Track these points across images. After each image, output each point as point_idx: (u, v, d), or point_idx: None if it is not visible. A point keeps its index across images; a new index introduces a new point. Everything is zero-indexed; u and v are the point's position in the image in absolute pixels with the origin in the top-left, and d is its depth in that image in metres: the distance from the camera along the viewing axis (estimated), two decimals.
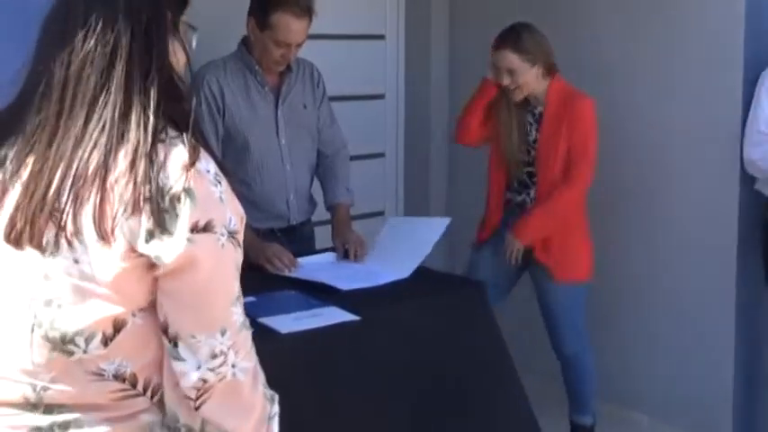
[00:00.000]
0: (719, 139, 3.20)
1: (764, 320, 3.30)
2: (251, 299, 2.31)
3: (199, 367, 1.22)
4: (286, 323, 2.21)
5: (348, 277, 2.57)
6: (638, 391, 3.54)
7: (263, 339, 2.07)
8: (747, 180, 3.16)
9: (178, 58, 1.30)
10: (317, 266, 2.67)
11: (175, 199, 1.16)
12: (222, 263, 1.22)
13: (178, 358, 1.22)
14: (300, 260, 2.68)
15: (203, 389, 1.23)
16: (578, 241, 3.11)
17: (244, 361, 1.26)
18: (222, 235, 1.21)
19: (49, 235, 1.17)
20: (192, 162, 1.18)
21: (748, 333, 3.29)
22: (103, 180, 1.15)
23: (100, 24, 1.20)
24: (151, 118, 1.18)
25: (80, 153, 1.17)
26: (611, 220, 3.44)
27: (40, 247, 1.17)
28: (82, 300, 1.18)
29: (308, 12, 2.77)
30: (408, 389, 2.31)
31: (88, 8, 1.21)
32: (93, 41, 1.19)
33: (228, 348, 1.24)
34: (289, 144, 2.91)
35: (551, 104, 3.03)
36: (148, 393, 1.26)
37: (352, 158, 3.13)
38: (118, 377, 1.23)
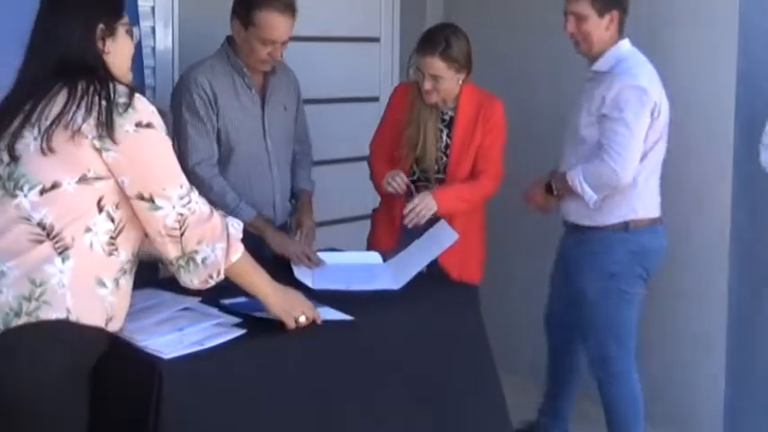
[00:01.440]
0: (714, 140, 3.20)
1: (762, 323, 3.28)
2: (241, 299, 2.33)
3: (174, 207, 1.89)
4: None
5: (331, 277, 2.59)
6: None
7: (259, 336, 2.11)
8: (741, 178, 3.15)
9: (123, 52, 2.00)
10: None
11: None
12: (165, 147, 1.93)
13: (158, 209, 1.88)
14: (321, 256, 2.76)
15: (182, 221, 1.90)
16: (476, 246, 3.07)
17: (201, 199, 1.95)
18: (161, 131, 1.91)
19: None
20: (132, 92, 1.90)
21: (741, 336, 3.28)
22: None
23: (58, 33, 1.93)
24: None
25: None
26: None
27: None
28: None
29: (291, 8, 2.78)
30: (391, 388, 2.33)
31: (52, 21, 1.94)
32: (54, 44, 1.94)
33: (188, 193, 1.92)
34: (274, 146, 2.93)
35: (463, 108, 2.97)
36: (56, 242, 1.83)
37: (345, 161, 3.14)
38: (39, 224, 1.82)
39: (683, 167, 3.24)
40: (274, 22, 2.74)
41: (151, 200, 1.88)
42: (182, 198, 1.90)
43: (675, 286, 3.36)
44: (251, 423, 2.08)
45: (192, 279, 1.95)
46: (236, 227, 2.01)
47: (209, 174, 2.78)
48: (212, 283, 1.97)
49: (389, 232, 3.02)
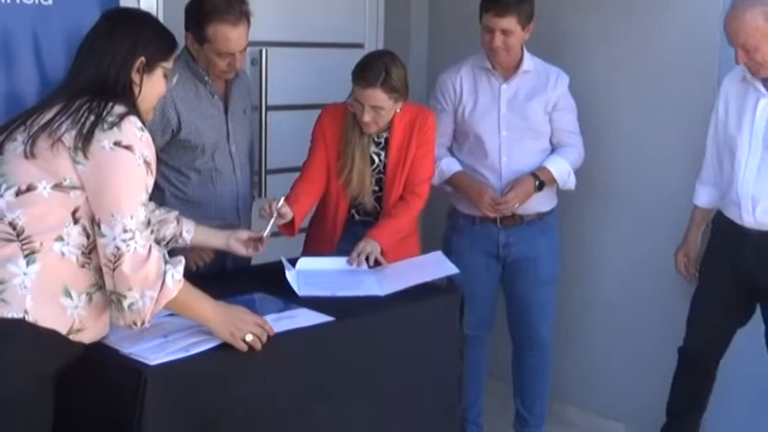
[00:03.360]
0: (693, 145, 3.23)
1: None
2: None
3: (114, 239, 1.85)
4: None
5: (319, 283, 2.59)
6: (613, 400, 3.55)
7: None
8: None
9: (153, 91, 2.06)
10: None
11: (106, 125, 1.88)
12: (134, 174, 1.88)
13: (102, 236, 1.86)
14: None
15: (116, 256, 1.85)
16: (412, 247, 3.05)
17: (144, 241, 1.88)
18: (139, 158, 1.89)
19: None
20: (126, 114, 1.91)
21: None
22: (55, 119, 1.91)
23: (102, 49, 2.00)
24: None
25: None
26: (588, 223, 3.46)
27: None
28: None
29: (243, 17, 2.73)
30: (374, 390, 2.38)
31: (103, 43, 2.01)
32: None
33: (135, 229, 1.86)
34: (237, 150, 2.94)
35: (397, 128, 2.92)
36: (24, 243, 1.85)
37: None
38: (11, 224, 1.85)
39: None
40: (228, 36, 2.70)
41: (98, 224, 1.87)
42: (125, 231, 1.85)
43: None
44: (236, 428, 2.08)
45: (118, 319, 1.92)
46: (174, 276, 1.93)
47: None
48: (137, 329, 1.93)
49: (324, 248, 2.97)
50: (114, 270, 1.86)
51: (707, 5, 3.22)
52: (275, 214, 2.63)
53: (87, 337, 1.94)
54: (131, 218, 1.86)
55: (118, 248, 1.85)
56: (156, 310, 1.92)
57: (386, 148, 2.94)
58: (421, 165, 2.94)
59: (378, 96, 2.78)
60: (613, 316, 3.51)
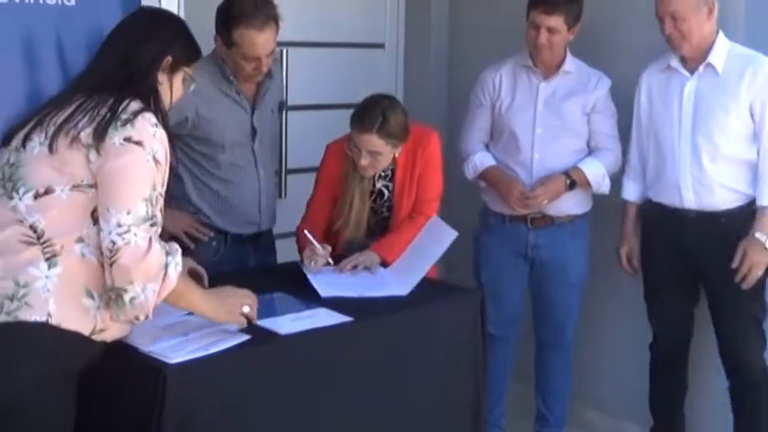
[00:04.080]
0: None
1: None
2: None
3: (110, 233, 1.81)
4: (284, 324, 2.24)
5: (341, 284, 2.59)
6: (632, 402, 3.52)
7: (263, 341, 2.12)
8: None
9: (173, 90, 2.07)
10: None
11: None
12: (138, 170, 1.85)
13: (100, 230, 1.84)
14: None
15: (113, 250, 1.81)
16: None
17: (144, 233, 1.83)
18: (149, 154, 1.87)
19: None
20: (141, 111, 1.90)
21: None
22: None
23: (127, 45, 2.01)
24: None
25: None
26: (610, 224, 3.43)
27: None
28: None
29: (270, 20, 2.73)
30: (392, 391, 2.37)
31: (132, 42, 2.01)
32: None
33: (132, 224, 1.82)
34: (261, 148, 2.94)
35: (401, 159, 2.90)
36: (45, 246, 1.84)
37: None
38: (32, 227, 1.83)
39: None
40: (254, 41, 2.71)
41: (97, 218, 1.85)
42: (120, 226, 1.81)
43: None
44: (255, 427, 2.08)
45: (118, 315, 1.88)
46: (177, 268, 1.90)
47: None
48: (139, 322, 1.90)
49: None
50: (112, 265, 1.81)
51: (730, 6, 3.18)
52: (327, 256, 2.70)
53: (110, 335, 1.94)
54: (128, 213, 1.82)
55: (113, 243, 1.81)
56: (158, 301, 1.88)
57: (392, 179, 2.93)
58: (427, 184, 2.92)
59: (374, 142, 2.77)
60: (635, 319, 3.48)
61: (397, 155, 2.87)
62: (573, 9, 3.09)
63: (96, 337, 1.90)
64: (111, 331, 1.93)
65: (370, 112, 2.78)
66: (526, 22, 3.14)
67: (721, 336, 3.01)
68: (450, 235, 2.69)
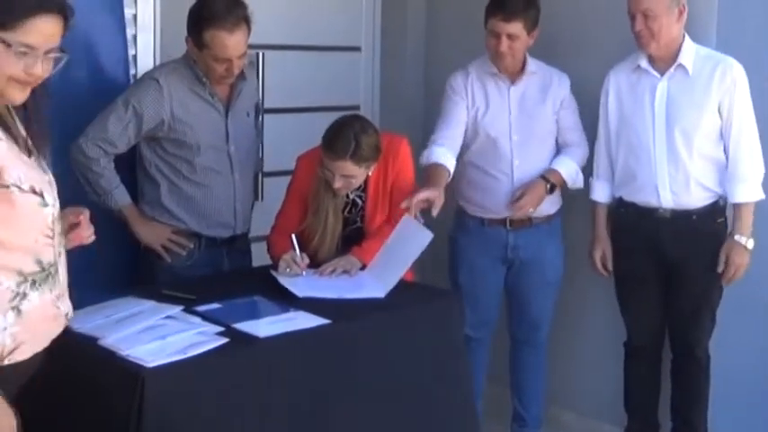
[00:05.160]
0: None
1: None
2: (216, 306, 2.34)
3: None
4: (262, 328, 2.24)
5: (318, 286, 2.60)
6: (609, 403, 3.55)
7: (242, 344, 2.12)
8: None
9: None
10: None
11: None
12: None
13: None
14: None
15: None
16: None
17: None
18: None
19: None
20: None
21: None
22: None
23: None
24: None
25: None
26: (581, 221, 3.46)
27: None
28: None
29: (241, 22, 2.73)
30: (370, 392, 2.37)
31: None
32: None
33: None
34: (237, 152, 2.94)
35: (373, 171, 2.91)
36: None
37: None
38: None
39: None
40: (225, 42, 2.71)
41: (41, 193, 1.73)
42: None
43: None
44: (233, 430, 2.08)
45: None
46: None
47: (100, 155, 2.75)
48: None
49: None
50: None
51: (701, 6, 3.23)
52: (304, 267, 2.71)
53: (29, 350, 1.75)
54: None
55: None
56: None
57: (365, 189, 2.93)
58: (401, 191, 2.91)
59: (349, 168, 2.77)
60: (608, 318, 3.51)
61: (370, 173, 2.88)
62: (531, 14, 3.10)
63: (13, 357, 1.72)
64: (28, 345, 1.74)
65: (341, 137, 2.76)
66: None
67: (678, 323, 3.09)
68: (426, 236, 2.68)
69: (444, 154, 3.13)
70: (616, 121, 3.10)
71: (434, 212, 2.79)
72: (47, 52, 1.69)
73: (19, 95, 1.70)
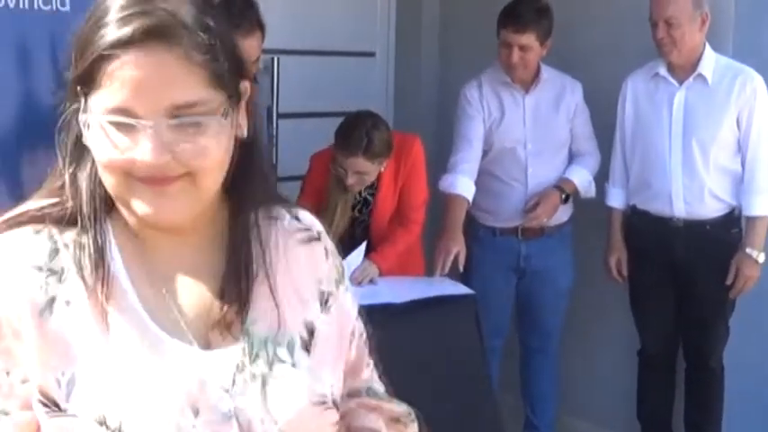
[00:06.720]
0: None
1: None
2: None
3: None
4: None
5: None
6: (621, 412, 3.53)
7: None
8: None
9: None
10: None
11: None
12: None
13: None
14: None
15: None
16: (415, 259, 3.08)
17: None
18: None
19: None
20: None
21: None
22: None
23: None
24: None
25: None
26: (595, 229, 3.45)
27: None
28: None
29: (255, 27, 2.69)
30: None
31: None
32: None
33: None
34: None
35: (384, 172, 2.93)
36: None
37: None
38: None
39: None
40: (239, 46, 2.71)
41: None
42: None
43: None
44: None
45: None
46: None
47: None
48: None
49: None
50: None
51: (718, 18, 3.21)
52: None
53: None
54: None
55: None
56: None
57: (377, 187, 2.94)
58: (412, 191, 2.94)
59: (361, 164, 2.78)
60: (621, 326, 3.50)
61: (382, 170, 2.88)
62: (544, 25, 3.09)
63: None
64: None
65: (354, 134, 2.78)
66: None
67: (691, 332, 3.08)
68: (463, 290, 2.77)
69: (466, 183, 3.13)
70: (632, 127, 3.09)
71: (461, 267, 2.90)
72: None
73: None
